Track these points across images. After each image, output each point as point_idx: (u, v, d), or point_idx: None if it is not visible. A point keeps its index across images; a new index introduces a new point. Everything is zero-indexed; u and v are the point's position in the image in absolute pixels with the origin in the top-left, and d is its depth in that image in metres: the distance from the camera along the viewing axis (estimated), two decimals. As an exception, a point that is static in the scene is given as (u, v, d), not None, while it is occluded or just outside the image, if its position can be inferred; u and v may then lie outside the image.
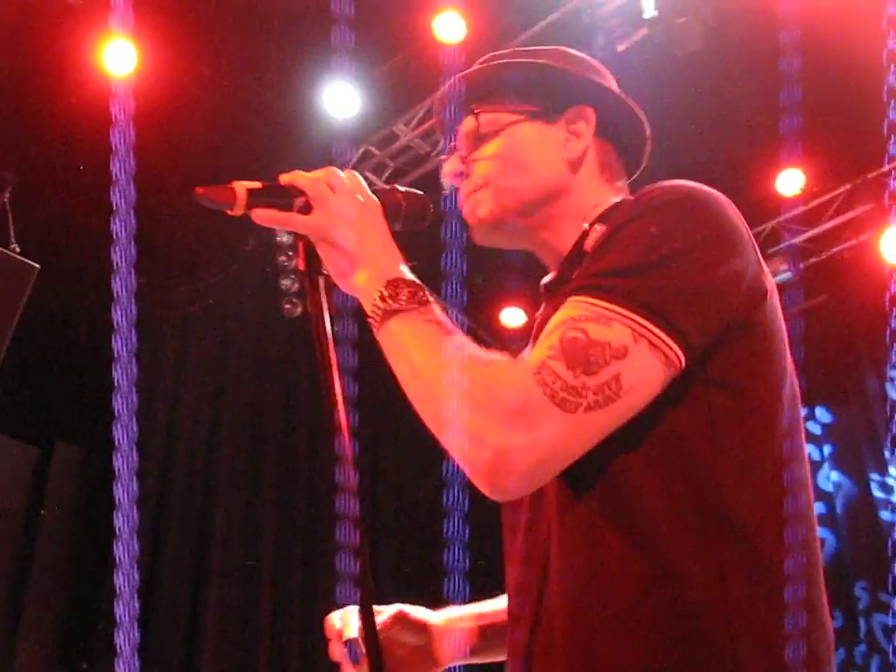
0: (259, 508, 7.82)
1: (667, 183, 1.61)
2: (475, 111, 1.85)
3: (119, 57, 6.17)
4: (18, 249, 6.27)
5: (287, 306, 7.80)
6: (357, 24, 4.47)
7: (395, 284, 1.59)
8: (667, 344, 1.44)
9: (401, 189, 1.82)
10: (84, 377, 7.01)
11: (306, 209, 1.65)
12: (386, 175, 7.48)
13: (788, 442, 1.57)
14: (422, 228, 1.80)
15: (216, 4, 6.50)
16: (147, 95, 5.94)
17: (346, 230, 1.63)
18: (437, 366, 1.50)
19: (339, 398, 1.59)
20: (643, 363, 1.43)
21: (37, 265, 6.17)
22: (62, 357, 6.93)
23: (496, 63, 1.88)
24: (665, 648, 1.43)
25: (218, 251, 7.84)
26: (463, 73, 1.88)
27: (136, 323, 7.83)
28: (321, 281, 1.67)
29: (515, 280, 8.02)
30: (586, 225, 1.76)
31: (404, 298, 1.58)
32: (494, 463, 1.42)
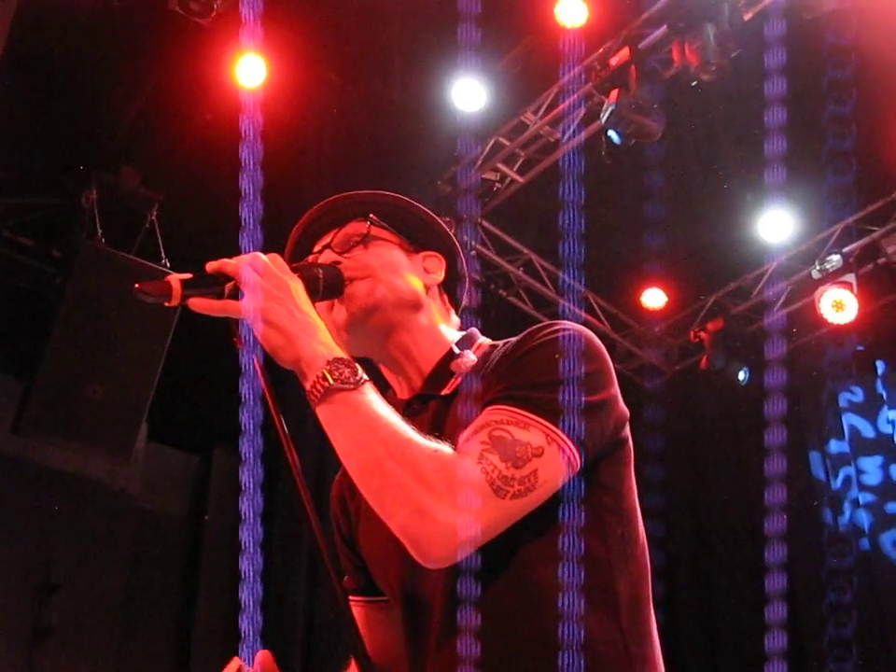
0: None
1: (559, 322, 1.86)
2: (370, 217, 2.08)
3: (249, 70, 6.33)
4: (168, 265, 6.50)
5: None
6: (477, 18, 4.52)
7: (336, 363, 1.71)
8: (571, 449, 1.68)
9: (317, 264, 1.99)
10: (238, 384, 7.21)
11: (235, 293, 1.75)
12: (518, 164, 7.52)
13: (641, 527, 1.89)
14: (338, 296, 1.97)
15: (338, 11, 6.62)
16: (279, 104, 6.10)
17: (278, 309, 1.74)
18: (383, 444, 1.66)
19: (297, 468, 1.74)
20: (554, 462, 1.66)
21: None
22: (214, 367, 7.19)
23: (381, 193, 2.13)
24: None
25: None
26: (352, 193, 2.12)
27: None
28: (255, 360, 1.79)
29: (656, 263, 8.03)
30: (455, 348, 2.02)
31: (346, 377, 1.70)
32: (438, 536, 1.60)
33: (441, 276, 2.12)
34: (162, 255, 6.51)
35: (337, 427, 1.70)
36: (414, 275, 2.07)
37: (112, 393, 6.43)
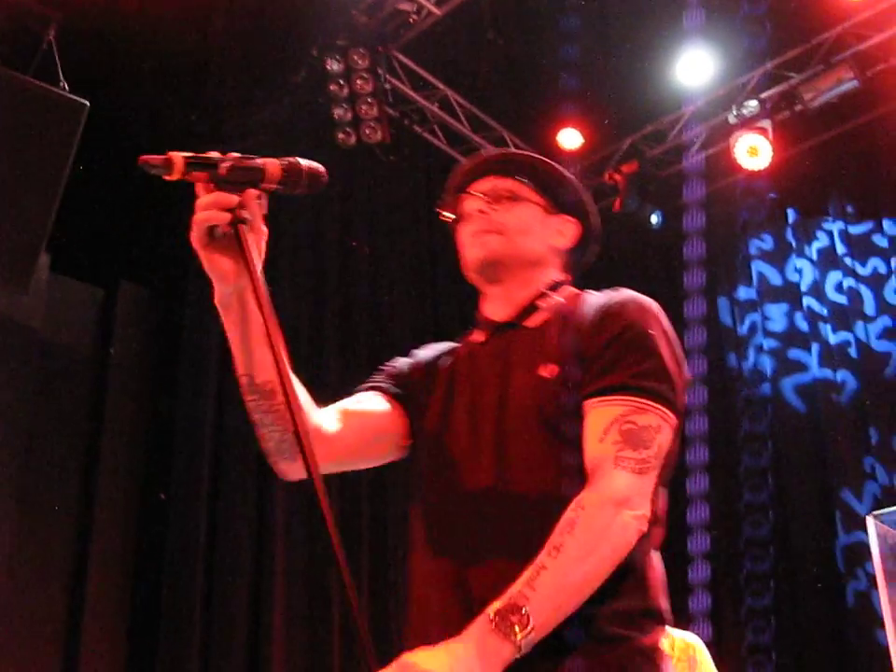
0: (321, 326, 7.83)
1: (629, 293, 2.27)
2: (520, 179, 2.41)
3: None
4: (66, 87, 6.21)
5: (342, 136, 7.72)
6: None
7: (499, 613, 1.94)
8: (673, 419, 2.10)
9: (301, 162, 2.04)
10: (149, 216, 7.02)
11: (231, 175, 1.93)
12: None
13: None
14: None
15: None
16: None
17: None
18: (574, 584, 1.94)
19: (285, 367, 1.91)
20: (668, 434, 2.09)
21: (87, 102, 6.13)
22: (121, 196, 6.94)
23: (539, 157, 2.47)
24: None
25: (268, 83, 7.74)
26: (515, 152, 2.58)
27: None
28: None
29: (572, 103, 7.91)
30: (545, 291, 2.37)
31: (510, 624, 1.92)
32: (636, 533, 2.00)
33: (569, 241, 2.45)
34: (61, 77, 6.21)
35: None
36: (546, 235, 2.41)
37: (8, 219, 6.20)
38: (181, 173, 1.88)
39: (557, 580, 1.87)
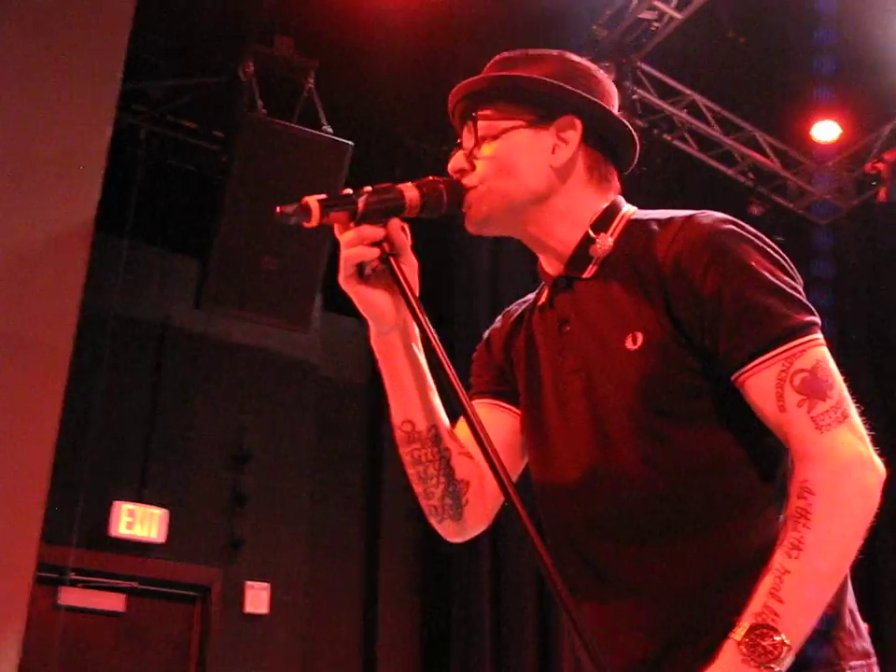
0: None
1: (699, 219, 1.86)
2: (475, 116, 1.99)
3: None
4: (330, 130, 6.52)
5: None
6: None
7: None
8: (821, 335, 1.78)
9: (440, 180, 1.93)
10: (416, 252, 7.28)
11: (373, 212, 1.80)
12: (675, 0, 7.23)
13: None
14: (461, 208, 1.96)
15: None
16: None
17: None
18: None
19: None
20: (828, 353, 1.78)
21: (350, 143, 6.42)
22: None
23: (495, 76, 2.03)
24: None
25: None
26: (467, 80, 2.02)
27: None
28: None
29: (825, 93, 7.69)
30: (591, 231, 1.98)
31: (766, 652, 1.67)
32: (879, 484, 1.70)
33: (574, 145, 1.98)
34: (323, 121, 6.52)
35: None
36: (540, 160, 1.97)
37: (286, 263, 6.55)
38: (319, 217, 1.75)
39: (806, 583, 1.63)
